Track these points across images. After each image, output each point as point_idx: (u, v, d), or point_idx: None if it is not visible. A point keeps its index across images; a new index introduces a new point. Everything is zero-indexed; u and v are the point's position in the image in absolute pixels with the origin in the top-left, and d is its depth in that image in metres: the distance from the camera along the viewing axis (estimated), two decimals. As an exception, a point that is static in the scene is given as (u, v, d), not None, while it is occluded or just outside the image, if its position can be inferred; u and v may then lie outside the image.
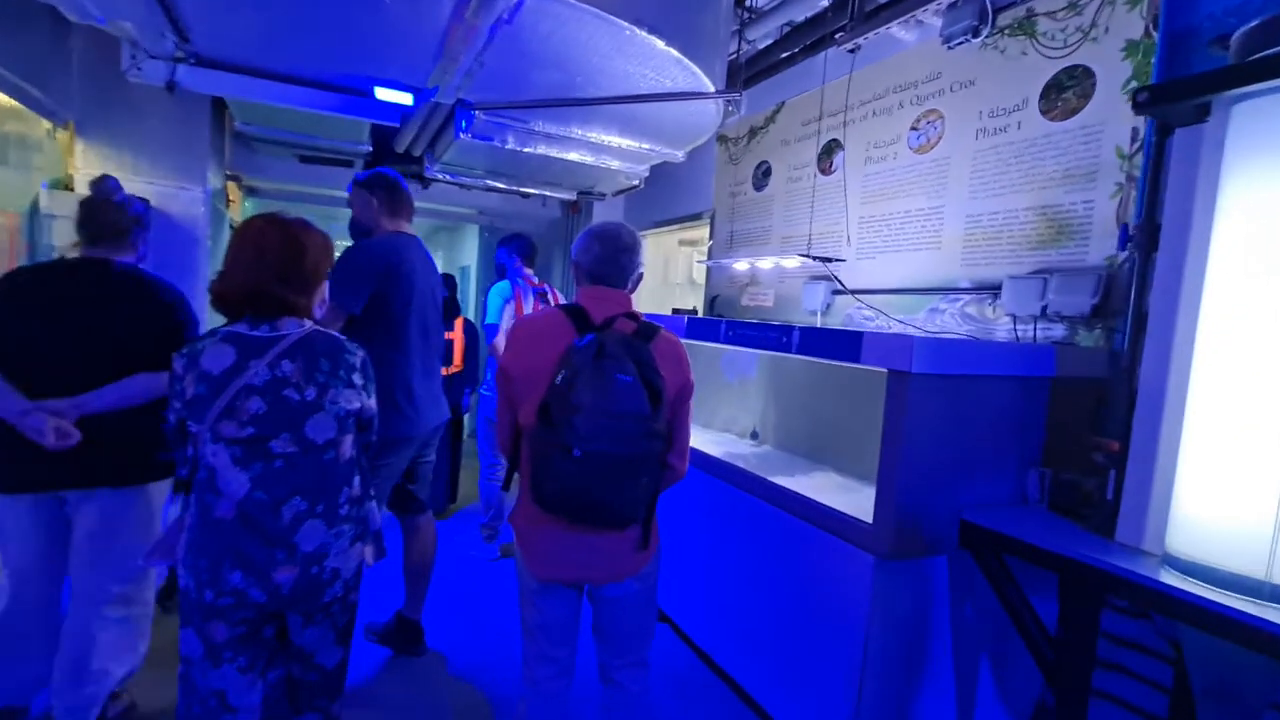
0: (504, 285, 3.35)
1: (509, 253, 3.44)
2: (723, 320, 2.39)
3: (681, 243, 5.26)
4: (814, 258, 2.90)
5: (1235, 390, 1.38)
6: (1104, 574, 1.45)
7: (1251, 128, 1.36)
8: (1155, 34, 1.97)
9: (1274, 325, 1.33)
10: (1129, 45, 2.06)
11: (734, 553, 2.30)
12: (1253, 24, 1.36)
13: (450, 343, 4.10)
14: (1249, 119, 1.37)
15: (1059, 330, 2.21)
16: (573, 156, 3.34)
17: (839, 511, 1.87)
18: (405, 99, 2.93)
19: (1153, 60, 1.98)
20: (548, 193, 4.52)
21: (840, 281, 3.07)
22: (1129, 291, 2.01)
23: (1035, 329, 2.26)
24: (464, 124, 3.02)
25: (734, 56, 3.39)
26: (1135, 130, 2.02)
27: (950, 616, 1.86)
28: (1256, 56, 1.31)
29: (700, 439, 2.99)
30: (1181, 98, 1.41)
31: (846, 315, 3.10)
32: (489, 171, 4.08)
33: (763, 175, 3.80)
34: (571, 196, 4.62)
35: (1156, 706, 1.81)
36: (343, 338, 1.48)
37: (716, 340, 2.40)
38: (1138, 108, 1.47)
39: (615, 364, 1.34)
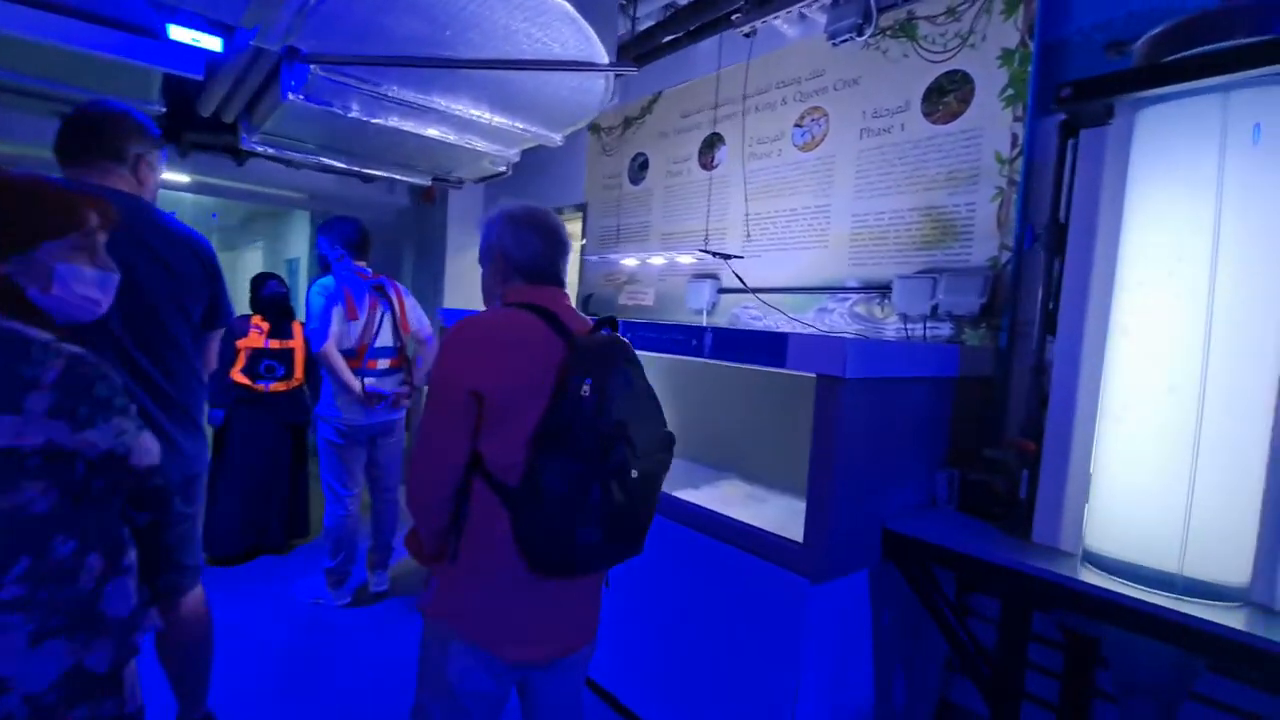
0: (327, 281, 2.80)
1: (330, 241, 2.88)
2: (618, 321, 2.14)
3: (548, 238, 4.94)
4: (713, 254, 2.76)
5: (1147, 387, 1.40)
6: (1046, 584, 1.42)
7: (1156, 130, 1.39)
8: (1031, 43, 2.05)
9: (1182, 324, 1.36)
10: (1004, 53, 2.13)
11: (642, 583, 2.07)
12: (1162, 28, 1.39)
13: (290, 352, 3.42)
14: (1156, 122, 1.40)
15: (946, 329, 2.25)
16: (431, 133, 2.90)
17: (765, 531, 1.71)
18: (211, 43, 2.32)
19: (1029, 69, 2.06)
20: (397, 176, 3.96)
21: (740, 279, 2.96)
22: (1013, 291, 2.09)
23: (925, 328, 2.29)
24: (293, 83, 2.46)
25: (621, 34, 3.14)
26: (1015, 136, 2.09)
27: (871, 630, 1.77)
28: (1175, 58, 1.33)
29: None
30: (1102, 94, 1.41)
31: (732, 314, 3.01)
32: (323, 147, 3.46)
33: (639, 168, 3.62)
34: (425, 182, 4.10)
35: (1048, 692, 1.88)
36: (32, 333, 1.02)
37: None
38: (1060, 103, 1.46)
39: (636, 370, 1.21)
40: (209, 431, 1.69)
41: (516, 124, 2.75)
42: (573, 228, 4.73)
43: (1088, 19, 1.97)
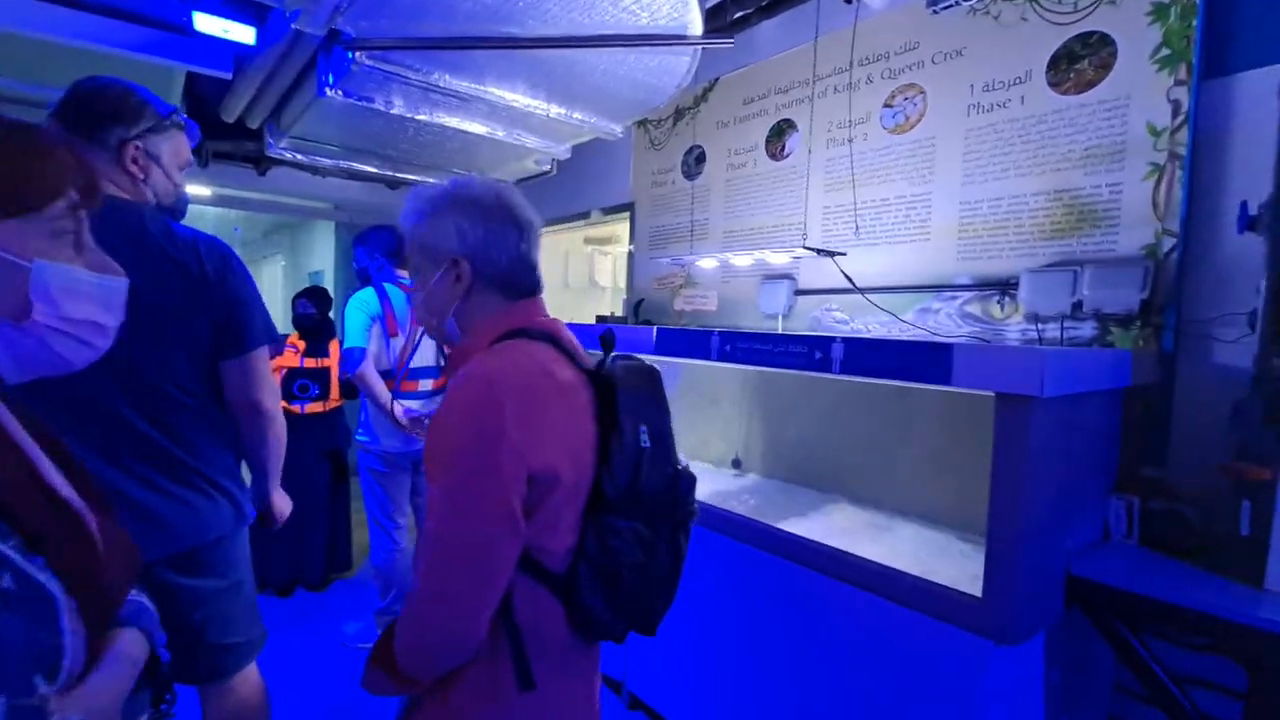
0: (367, 295, 2.56)
1: (369, 251, 2.65)
2: (712, 332, 1.87)
3: (587, 241, 4.68)
4: (818, 251, 2.47)
5: None
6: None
7: None
8: (1195, -7, 1.75)
9: None
10: (1157, 8, 1.83)
11: (764, 638, 1.79)
12: None
13: (326, 371, 3.19)
14: None
15: (1088, 330, 1.95)
16: (478, 129, 2.64)
17: (932, 583, 1.42)
18: (243, 34, 2.08)
19: (1193, 23, 1.76)
20: (430, 180, 3.72)
21: (850, 279, 2.68)
22: (1177, 284, 1.79)
23: (1062, 329, 2.00)
24: (331, 76, 2.22)
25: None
26: (1176, 103, 1.79)
27: (1044, 697, 1.48)
28: None
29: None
30: None
31: (813, 318, 2.72)
32: (354, 150, 3.22)
33: (695, 162, 3.34)
34: (460, 185, 3.85)
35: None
36: None
37: (706, 357, 1.88)
38: None
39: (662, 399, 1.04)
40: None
41: (575, 115, 2.49)
42: (608, 230, 4.48)
43: (1274, -42, 1.67)
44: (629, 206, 3.78)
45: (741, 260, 2.86)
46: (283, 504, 1.57)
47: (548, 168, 3.30)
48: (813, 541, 1.68)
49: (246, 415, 1.37)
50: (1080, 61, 1.99)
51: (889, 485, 2.03)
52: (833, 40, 2.66)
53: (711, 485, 2.30)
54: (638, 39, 1.84)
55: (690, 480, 1.00)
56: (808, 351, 1.61)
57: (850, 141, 2.60)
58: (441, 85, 2.19)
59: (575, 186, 4.14)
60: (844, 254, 2.45)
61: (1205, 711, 1.36)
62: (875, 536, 1.80)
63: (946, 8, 2.23)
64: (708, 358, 1.87)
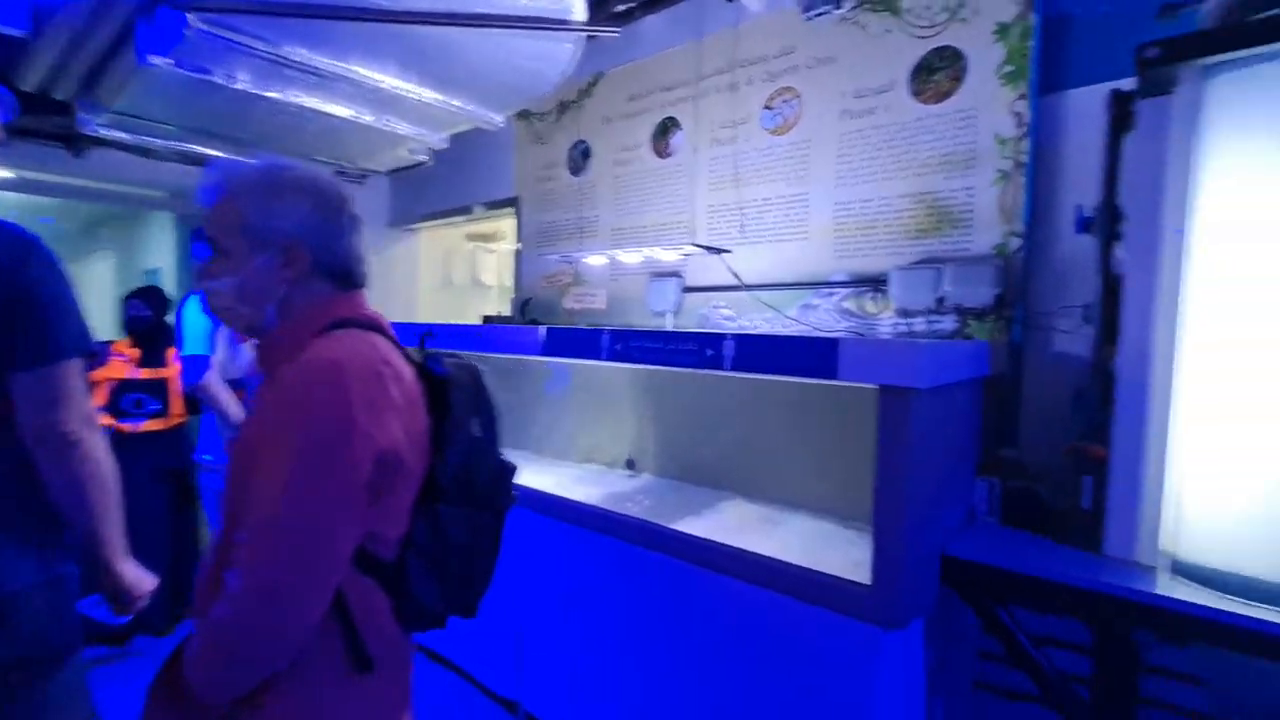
0: None
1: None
2: (603, 331, 1.81)
3: (470, 237, 4.46)
4: (707, 248, 2.47)
5: (1244, 382, 1.27)
6: (1157, 611, 1.25)
7: (1240, 97, 1.26)
8: (1033, 16, 1.92)
9: (1266, 308, 1.24)
10: (1001, 27, 2.00)
11: (648, 640, 1.75)
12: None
13: (164, 382, 2.77)
14: (1238, 88, 1.27)
15: (949, 324, 2.10)
16: (341, 111, 2.41)
17: (823, 574, 1.44)
18: (34, -17, 1.74)
19: (1030, 43, 1.93)
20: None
21: (737, 276, 2.69)
22: (1024, 281, 1.97)
23: (928, 323, 2.13)
24: (157, 42, 1.91)
25: None
26: (1018, 115, 1.96)
27: (924, 672, 1.56)
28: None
29: (558, 475, 2.36)
30: (1204, 53, 1.26)
31: (701, 315, 2.74)
32: (192, 131, 2.83)
33: (581, 157, 3.27)
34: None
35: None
36: None
37: (597, 356, 1.81)
38: (1144, 65, 1.30)
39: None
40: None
41: (453, 101, 2.32)
42: (491, 226, 4.30)
43: (1092, -10, 1.87)
44: (514, 202, 3.64)
45: (630, 258, 2.83)
46: (137, 578, 1.25)
47: (424, 158, 3.09)
48: (707, 540, 1.67)
49: (48, 447, 1.09)
50: (937, 73, 2.13)
51: (780, 479, 2.08)
52: (715, 41, 2.69)
53: (606, 488, 2.24)
54: (517, 21, 1.73)
55: (511, 470, 1.05)
56: (700, 349, 1.59)
57: (733, 141, 2.64)
58: (296, 60, 1.96)
59: (455, 179, 3.92)
60: (730, 251, 2.49)
61: (1060, 669, 1.49)
62: (768, 531, 1.83)
63: (819, 14, 2.32)
64: (599, 357, 1.81)
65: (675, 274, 2.81)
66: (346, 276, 0.95)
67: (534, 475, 2.35)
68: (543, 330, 1.98)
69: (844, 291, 2.35)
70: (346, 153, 3.09)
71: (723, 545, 1.63)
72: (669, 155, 2.89)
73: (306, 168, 0.95)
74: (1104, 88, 1.61)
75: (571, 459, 2.65)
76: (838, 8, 2.28)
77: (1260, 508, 1.25)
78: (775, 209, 2.54)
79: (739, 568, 1.57)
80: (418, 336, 1.02)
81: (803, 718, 1.44)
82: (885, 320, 2.26)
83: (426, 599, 0.91)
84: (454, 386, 0.95)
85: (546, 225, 3.46)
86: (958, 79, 2.09)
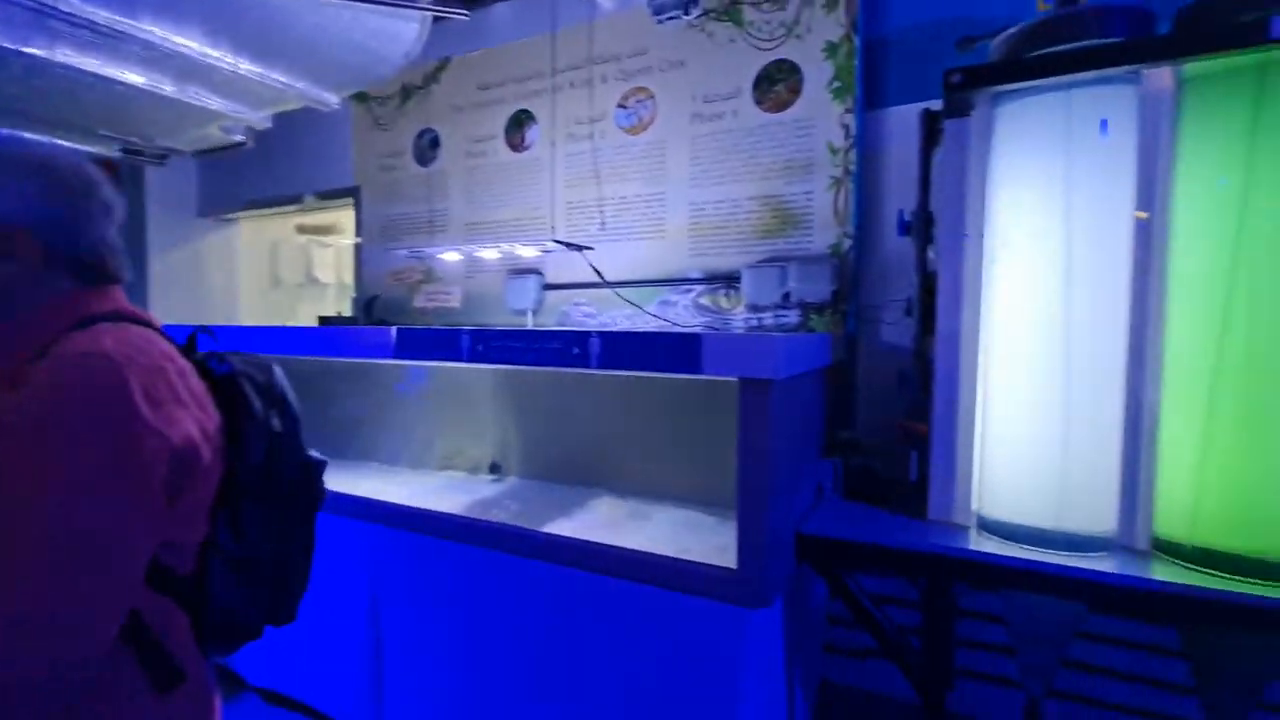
0: None
1: None
2: (462, 331, 1.71)
3: (301, 229, 4.03)
4: (568, 245, 2.42)
5: (1021, 361, 1.50)
6: (965, 563, 1.44)
7: (1015, 122, 1.49)
8: (855, 38, 2.13)
9: (1045, 302, 1.47)
10: (829, 46, 2.19)
11: (521, 652, 1.69)
12: (1018, 29, 1.47)
13: None
14: (1014, 115, 1.49)
15: (794, 318, 2.27)
16: (132, 78, 2.05)
17: (690, 562, 1.48)
18: None
19: (855, 63, 2.13)
20: (60, 142, 2.80)
21: (599, 273, 2.66)
22: (855, 278, 2.18)
23: (775, 317, 2.28)
24: None
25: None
26: (846, 127, 2.16)
27: (784, 643, 1.68)
28: (1037, 54, 1.41)
29: (414, 486, 2.21)
30: (992, 82, 1.46)
31: (562, 313, 2.72)
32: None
33: (429, 146, 3.08)
34: (111, 153, 2.98)
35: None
36: None
37: (457, 358, 1.72)
38: (950, 89, 1.48)
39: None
40: None
41: (276, 77, 2.06)
42: (327, 218, 3.93)
43: (905, 18, 2.11)
44: (353, 191, 3.34)
45: (488, 254, 2.72)
46: None
47: (241, 138, 2.73)
48: (577, 540, 1.65)
49: None
50: (778, 84, 2.29)
51: (648, 473, 2.11)
52: (570, 35, 2.66)
53: (469, 495, 2.13)
54: (354, -8, 1.58)
55: (320, 465, 1.01)
56: (566, 347, 1.56)
57: (590, 138, 2.64)
58: (66, 10, 1.62)
59: (283, 164, 3.52)
60: (591, 249, 2.48)
61: (897, 623, 1.67)
62: (638, 525, 1.85)
63: (669, 18, 2.38)
64: (460, 359, 1.71)
65: (535, 271, 2.75)
66: (96, 270, 0.84)
67: (385, 487, 2.18)
68: (393, 331, 1.84)
69: (700, 288, 2.45)
70: (139, 128, 2.64)
71: (593, 544, 1.62)
72: (525, 149, 2.81)
73: (42, 144, 0.86)
74: (918, 107, 1.82)
75: (429, 467, 2.50)
76: (686, 14, 2.35)
77: (1038, 467, 1.48)
78: (634, 207, 2.57)
79: (610, 565, 1.57)
80: (185, 336, 0.93)
81: (679, 704, 1.48)
82: (738, 315, 2.38)
83: (235, 607, 0.87)
84: (244, 380, 0.90)
85: (392, 218, 3.22)
86: (796, 91, 2.25)
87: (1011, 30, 1.49)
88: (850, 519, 1.69)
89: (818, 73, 2.21)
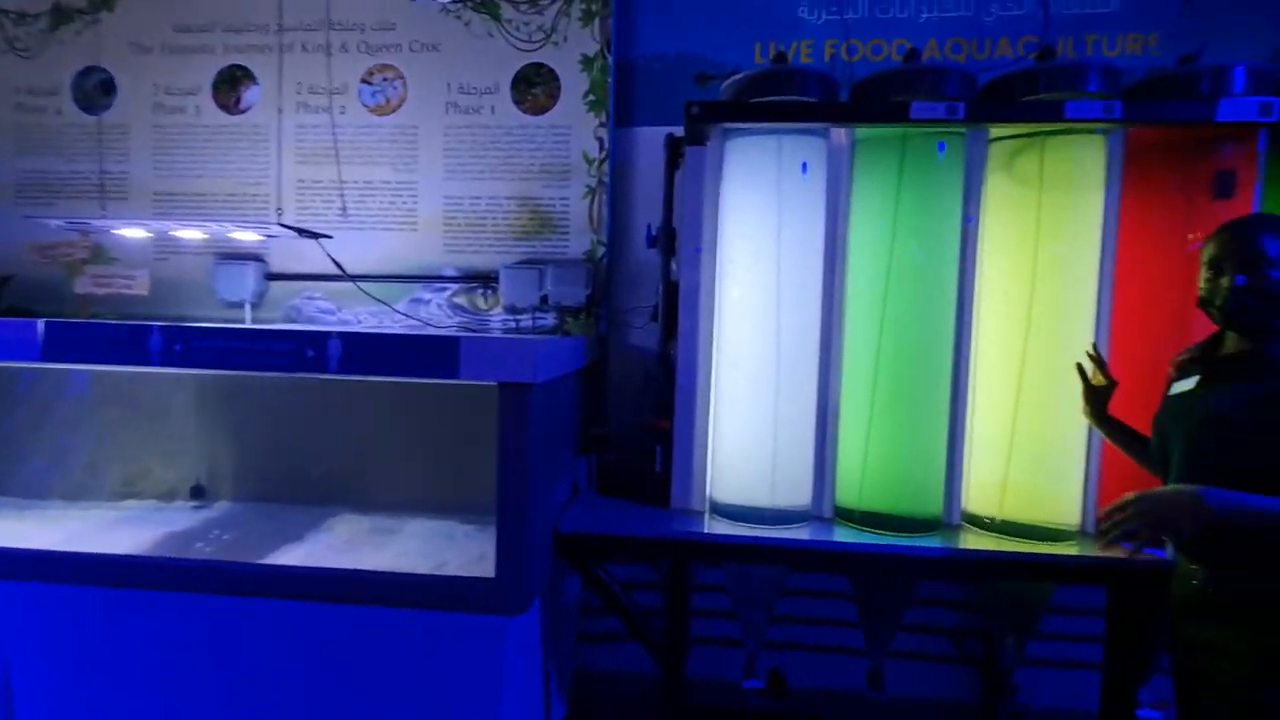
0: None
1: None
2: (153, 327, 1.38)
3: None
4: (299, 231, 2.07)
5: (744, 362, 1.74)
6: (697, 546, 1.62)
7: (741, 156, 1.72)
8: (609, 57, 2.24)
9: (761, 311, 1.72)
10: (585, 59, 2.27)
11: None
12: (743, 76, 1.69)
13: None
14: (740, 150, 1.72)
15: (551, 320, 2.31)
16: None
17: (442, 576, 1.40)
18: None
19: (609, 80, 2.24)
20: None
21: (339, 265, 2.33)
22: (608, 284, 2.29)
23: (533, 320, 2.29)
24: None
25: None
26: (601, 140, 2.26)
27: (541, 640, 1.70)
28: (759, 100, 1.64)
29: (74, 525, 1.72)
30: (725, 118, 1.64)
31: (292, 308, 2.37)
32: None
33: (99, 91, 2.43)
34: None
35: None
36: None
37: (144, 362, 1.38)
38: (691, 119, 1.62)
39: None
40: None
41: None
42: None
43: (651, 48, 2.28)
44: (-31, 134, 2.48)
45: (190, 233, 2.25)
46: None
47: None
48: (306, 568, 1.46)
49: None
50: (536, 87, 2.30)
51: (395, 485, 1.95)
52: (299, -11, 2.33)
53: (160, 529, 1.73)
54: None
55: None
56: (299, 349, 1.36)
57: (329, 111, 2.34)
58: None
59: None
60: (330, 237, 2.21)
61: (643, 606, 1.79)
62: (382, 543, 1.70)
63: (421, -3, 2.23)
64: (149, 362, 1.38)
65: (256, 257, 2.35)
66: None
67: (21, 529, 1.67)
68: (40, 325, 1.41)
69: (455, 287, 2.34)
70: None
71: (327, 570, 1.44)
72: (241, 111, 2.39)
73: None
74: (664, 130, 1.98)
75: (97, 498, 1.97)
76: (440, -4, 2.23)
77: (756, 454, 1.73)
78: (381, 194, 2.36)
79: (349, 591, 1.41)
80: None
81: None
82: (495, 316, 2.34)
83: None
84: None
85: (36, 175, 2.47)
86: (554, 97, 2.29)
87: (738, 76, 1.71)
88: (604, 513, 1.78)
89: (575, 83, 2.27)
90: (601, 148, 2.26)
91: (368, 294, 2.31)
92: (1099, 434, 1.58)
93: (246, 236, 2.25)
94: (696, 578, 2.20)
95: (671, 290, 1.85)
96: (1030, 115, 1.57)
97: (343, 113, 2.35)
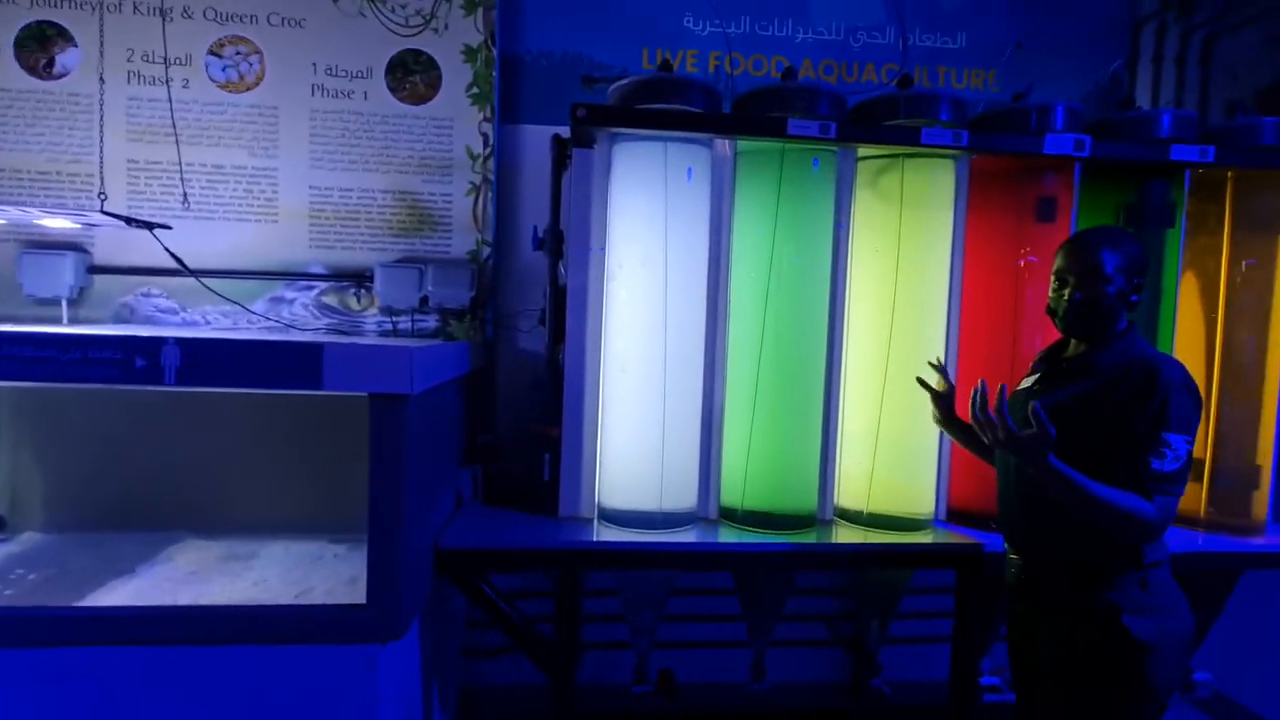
0: None
1: None
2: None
3: None
4: (128, 220, 1.77)
5: (636, 369, 1.74)
6: (586, 555, 1.60)
7: (628, 160, 1.72)
8: (494, 50, 2.15)
9: (649, 315, 1.73)
10: (468, 50, 2.17)
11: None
12: (630, 81, 1.69)
13: None
14: (628, 154, 1.72)
15: (432, 322, 2.19)
16: None
17: (307, 606, 1.28)
18: None
19: (494, 73, 2.16)
20: None
21: (178, 260, 2.05)
22: (494, 286, 2.21)
23: (413, 322, 2.16)
24: None
25: None
26: (485, 135, 2.18)
27: (420, 661, 1.61)
28: (644, 107, 1.64)
29: None
30: (608, 123, 1.62)
31: (123, 306, 2.08)
32: None
33: None
34: None
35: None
36: None
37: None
38: (577, 122, 1.59)
39: None
40: None
41: None
42: None
43: (537, 44, 2.22)
44: None
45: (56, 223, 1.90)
46: None
47: None
48: (133, 608, 1.28)
49: None
50: (414, 75, 2.17)
51: (251, 505, 1.77)
52: (129, -58, 2.04)
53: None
54: None
55: None
56: (124, 357, 1.18)
57: (168, 84, 2.07)
58: None
59: None
60: (169, 227, 1.95)
61: (529, 615, 1.73)
62: (236, 572, 1.52)
63: (282, -34, 2.03)
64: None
65: (76, 247, 2.03)
66: None
67: None
68: None
69: (323, 285, 2.16)
70: None
71: (160, 609, 1.27)
72: (56, 77, 2.05)
73: None
74: (551, 129, 1.94)
75: None
76: (304, -33, 2.04)
77: (645, 459, 1.74)
78: (234, 181, 2.12)
79: (191, 631, 1.24)
80: None
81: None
82: (370, 317, 2.18)
83: None
84: None
85: None
86: (434, 87, 2.17)
87: (624, 80, 1.70)
88: (490, 525, 1.71)
89: (457, 74, 2.17)
90: (486, 143, 2.18)
91: (216, 292, 2.07)
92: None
93: (59, 224, 1.93)
94: (589, 582, 2.18)
95: (559, 293, 1.81)
96: (892, 138, 1.70)
97: (185, 87, 2.09)
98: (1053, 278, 1.33)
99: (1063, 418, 1.22)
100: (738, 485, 1.79)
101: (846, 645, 2.27)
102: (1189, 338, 1.90)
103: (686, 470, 1.79)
